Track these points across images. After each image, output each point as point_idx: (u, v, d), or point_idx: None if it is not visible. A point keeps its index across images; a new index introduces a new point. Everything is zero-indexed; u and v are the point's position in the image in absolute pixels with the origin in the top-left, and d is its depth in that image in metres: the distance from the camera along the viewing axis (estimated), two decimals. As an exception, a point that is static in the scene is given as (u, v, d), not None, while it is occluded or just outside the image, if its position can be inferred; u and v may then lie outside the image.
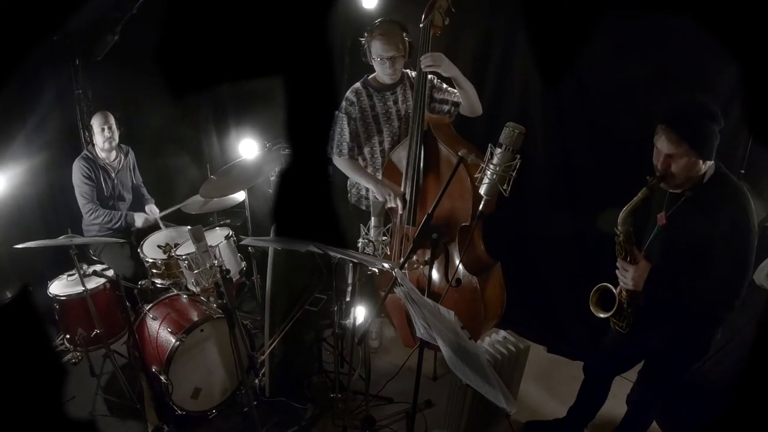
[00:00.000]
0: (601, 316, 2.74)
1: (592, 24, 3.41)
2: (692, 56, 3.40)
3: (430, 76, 3.52)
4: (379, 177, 3.73)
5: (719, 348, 2.87)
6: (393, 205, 3.59)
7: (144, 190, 4.71)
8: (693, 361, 2.72)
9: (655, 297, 2.57)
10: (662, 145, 2.40)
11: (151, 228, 4.41)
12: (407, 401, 3.23)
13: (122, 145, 4.43)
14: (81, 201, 4.23)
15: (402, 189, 3.58)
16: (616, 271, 2.65)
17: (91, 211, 4.22)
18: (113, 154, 4.35)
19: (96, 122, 4.17)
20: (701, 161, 2.38)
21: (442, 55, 3.40)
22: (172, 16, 4.03)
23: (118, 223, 4.27)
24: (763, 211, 3.19)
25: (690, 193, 2.47)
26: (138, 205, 4.59)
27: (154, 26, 4.04)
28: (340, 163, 3.74)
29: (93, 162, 4.23)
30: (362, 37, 3.49)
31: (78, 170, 4.19)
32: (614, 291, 2.68)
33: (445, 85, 3.68)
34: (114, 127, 4.21)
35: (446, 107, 3.69)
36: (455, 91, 3.63)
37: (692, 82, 3.44)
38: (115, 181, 4.37)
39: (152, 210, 4.52)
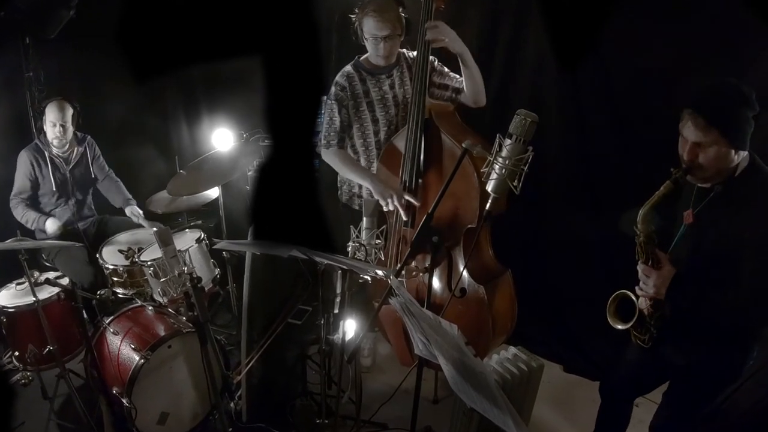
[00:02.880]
0: (620, 327, 2.74)
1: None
2: (731, 35, 3.40)
3: (431, 58, 3.51)
4: (374, 171, 3.73)
5: (759, 367, 2.87)
6: (391, 208, 3.57)
7: (121, 186, 4.71)
8: (724, 382, 2.71)
9: (680, 306, 2.57)
10: (689, 132, 2.40)
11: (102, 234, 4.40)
12: (404, 427, 3.24)
13: (77, 132, 4.42)
14: (13, 191, 4.27)
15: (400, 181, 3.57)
16: (639, 275, 2.65)
17: (13, 206, 4.26)
18: (66, 146, 4.33)
19: (50, 114, 4.14)
20: (733, 151, 2.37)
21: (448, 27, 3.38)
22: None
23: (33, 226, 4.26)
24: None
25: (720, 188, 2.46)
26: (100, 203, 4.60)
27: (115, 0, 4.04)
28: (329, 156, 3.72)
29: (42, 154, 4.24)
30: (353, 14, 3.48)
31: (22, 160, 4.22)
32: (634, 299, 2.68)
33: (446, 69, 3.68)
34: (69, 123, 4.19)
35: (447, 94, 3.68)
36: (456, 75, 3.63)
37: (730, 63, 3.44)
38: (67, 176, 4.36)
39: (134, 212, 4.52)
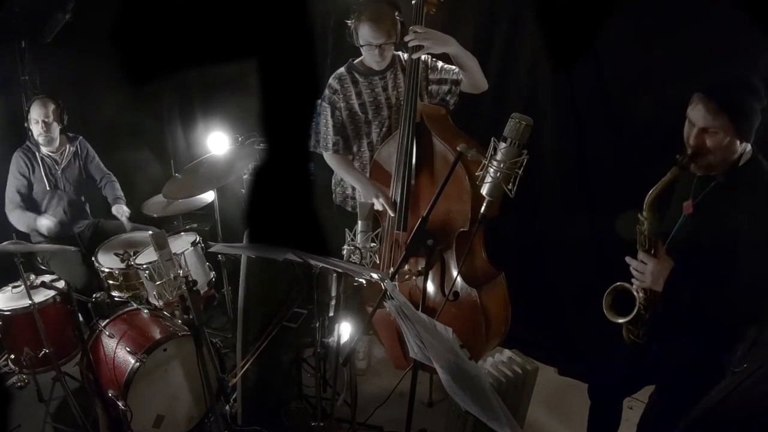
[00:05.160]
0: (619, 321, 2.73)
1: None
2: (729, 35, 3.40)
3: (423, 57, 3.51)
4: (367, 174, 3.74)
5: (752, 371, 2.86)
6: (379, 208, 3.58)
7: (116, 186, 4.72)
8: (712, 383, 2.70)
9: (677, 299, 2.56)
10: (697, 116, 2.40)
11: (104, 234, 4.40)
12: (399, 430, 3.24)
13: (69, 133, 4.43)
14: (7, 195, 4.26)
15: (391, 191, 3.58)
16: (631, 269, 2.64)
17: (9, 211, 4.26)
18: (56, 143, 4.35)
19: (33, 112, 4.17)
20: (738, 141, 2.39)
21: (430, 30, 3.34)
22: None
23: (29, 228, 4.26)
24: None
25: (722, 178, 2.47)
26: (96, 206, 4.61)
27: (111, 3, 4.03)
28: (328, 158, 3.78)
29: (33, 155, 4.27)
30: (348, 20, 3.48)
31: (14, 163, 4.24)
32: (633, 291, 2.67)
33: (440, 63, 3.65)
34: (51, 119, 4.19)
35: (446, 87, 3.66)
36: (453, 67, 3.61)
37: (728, 63, 3.44)
38: (59, 176, 4.37)
39: (119, 211, 4.52)
